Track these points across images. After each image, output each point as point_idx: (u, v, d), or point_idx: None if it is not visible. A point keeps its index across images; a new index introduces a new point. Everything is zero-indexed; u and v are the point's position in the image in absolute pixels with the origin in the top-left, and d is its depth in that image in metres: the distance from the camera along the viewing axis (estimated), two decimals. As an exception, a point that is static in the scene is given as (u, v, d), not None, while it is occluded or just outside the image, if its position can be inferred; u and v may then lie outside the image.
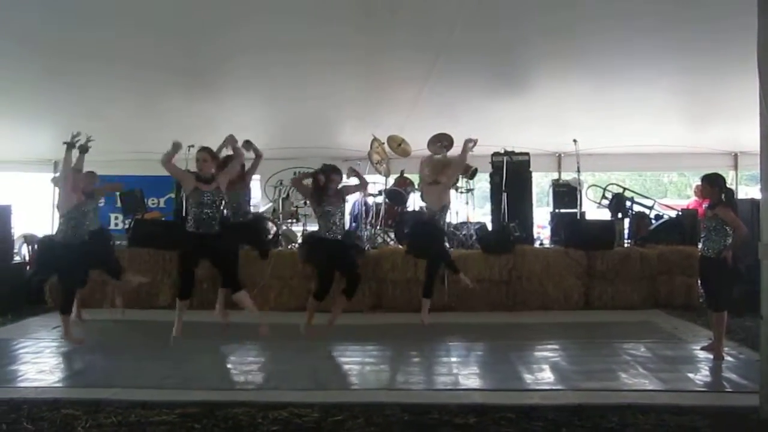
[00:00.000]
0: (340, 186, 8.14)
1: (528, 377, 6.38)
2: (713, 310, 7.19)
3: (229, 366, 6.93)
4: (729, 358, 7.00)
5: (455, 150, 11.33)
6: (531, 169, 11.66)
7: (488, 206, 12.40)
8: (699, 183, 12.36)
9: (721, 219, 6.92)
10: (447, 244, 9.82)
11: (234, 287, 7.66)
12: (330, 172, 8.06)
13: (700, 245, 7.61)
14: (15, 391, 5.88)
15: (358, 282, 8.29)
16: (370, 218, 11.83)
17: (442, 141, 11.26)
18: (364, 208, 11.83)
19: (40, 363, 7.05)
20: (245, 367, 6.91)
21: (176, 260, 8.89)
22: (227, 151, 8.10)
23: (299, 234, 11.31)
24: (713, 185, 7.12)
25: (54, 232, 8.25)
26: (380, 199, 11.80)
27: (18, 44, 8.88)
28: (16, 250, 11.78)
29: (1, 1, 7.91)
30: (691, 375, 6.49)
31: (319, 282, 8.11)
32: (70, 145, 7.58)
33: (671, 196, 30.71)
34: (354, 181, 8.56)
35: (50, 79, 10.09)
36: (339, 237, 8.05)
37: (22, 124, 12.22)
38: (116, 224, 13.41)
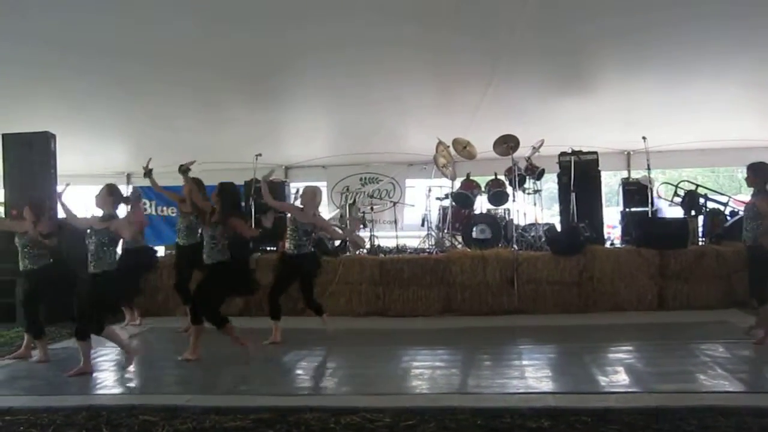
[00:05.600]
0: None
1: (602, 380, 6.25)
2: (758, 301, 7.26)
3: (300, 372, 6.97)
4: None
5: (521, 151, 11.26)
6: (599, 168, 11.46)
7: (556, 207, 12.24)
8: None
9: (756, 207, 7.08)
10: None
11: None
12: None
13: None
14: (94, 398, 6.03)
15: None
16: (437, 222, 11.84)
17: (508, 142, 11.20)
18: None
19: (118, 371, 7.25)
20: (316, 372, 6.96)
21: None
22: None
23: (367, 240, 11.34)
24: (757, 174, 7.25)
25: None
26: (447, 202, 11.76)
27: (90, 50, 9.10)
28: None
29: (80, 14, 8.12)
30: (773, 376, 6.28)
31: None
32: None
33: (746, 192, 29.81)
34: None
35: (118, 87, 10.31)
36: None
37: (98, 139, 12.62)
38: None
